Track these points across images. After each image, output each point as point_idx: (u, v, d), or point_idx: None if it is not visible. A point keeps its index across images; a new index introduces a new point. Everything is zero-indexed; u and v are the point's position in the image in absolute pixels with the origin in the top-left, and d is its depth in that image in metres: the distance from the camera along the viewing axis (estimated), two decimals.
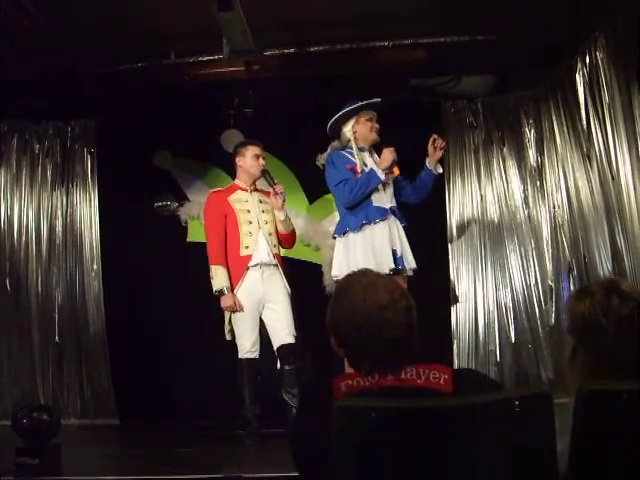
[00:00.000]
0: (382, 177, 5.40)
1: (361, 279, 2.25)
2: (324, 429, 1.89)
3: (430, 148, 5.64)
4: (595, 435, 1.92)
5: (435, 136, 5.66)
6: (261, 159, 5.86)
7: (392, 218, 5.45)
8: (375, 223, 5.36)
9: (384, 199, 5.49)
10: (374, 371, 2.12)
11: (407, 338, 2.13)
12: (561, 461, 1.92)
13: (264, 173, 5.85)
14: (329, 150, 5.71)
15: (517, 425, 1.87)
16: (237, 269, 5.72)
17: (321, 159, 5.75)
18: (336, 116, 5.57)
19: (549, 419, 1.88)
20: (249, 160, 5.85)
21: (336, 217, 5.91)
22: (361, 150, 5.56)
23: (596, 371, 2.20)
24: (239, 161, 5.92)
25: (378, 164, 5.47)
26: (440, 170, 5.73)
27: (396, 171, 5.50)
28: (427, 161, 5.67)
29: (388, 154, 5.45)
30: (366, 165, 5.49)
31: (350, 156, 5.53)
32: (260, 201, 5.88)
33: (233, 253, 5.75)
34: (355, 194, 5.37)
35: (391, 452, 1.85)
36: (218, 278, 5.67)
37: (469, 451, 1.87)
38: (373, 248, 5.29)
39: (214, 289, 5.67)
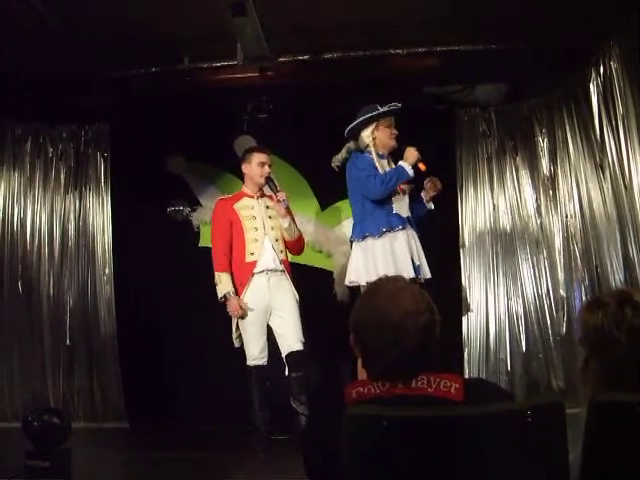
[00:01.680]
0: (411, 172, 5.40)
1: (390, 284, 2.25)
2: (335, 436, 1.88)
3: (427, 185, 5.69)
4: (607, 446, 1.91)
5: (431, 178, 5.71)
6: (266, 167, 5.85)
7: (409, 227, 5.44)
8: (396, 231, 5.33)
9: (403, 208, 5.48)
10: (384, 377, 2.12)
11: (422, 351, 2.12)
12: (572, 472, 1.91)
13: (267, 181, 5.85)
14: (344, 152, 5.68)
15: (529, 435, 1.87)
16: (242, 276, 5.75)
17: (336, 160, 5.73)
18: (357, 121, 5.52)
19: (561, 429, 1.88)
20: (254, 168, 5.86)
21: (348, 224, 5.89)
22: (380, 157, 5.52)
23: (608, 382, 2.19)
24: (245, 168, 5.93)
25: (404, 161, 5.44)
26: (432, 206, 5.74)
27: (422, 167, 5.46)
28: (423, 194, 5.74)
29: (412, 151, 5.44)
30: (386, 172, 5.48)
31: (370, 160, 5.49)
32: (267, 207, 5.89)
33: (238, 260, 5.78)
34: (387, 185, 5.33)
35: (402, 461, 1.85)
36: (222, 284, 5.71)
37: (480, 460, 1.86)
38: (394, 256, 5.25)
39: (219, 295, 5.71)
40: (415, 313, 2.12)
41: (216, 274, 5.75)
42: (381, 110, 5.48)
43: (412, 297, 2.16)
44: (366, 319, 2.19)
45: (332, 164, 5.74)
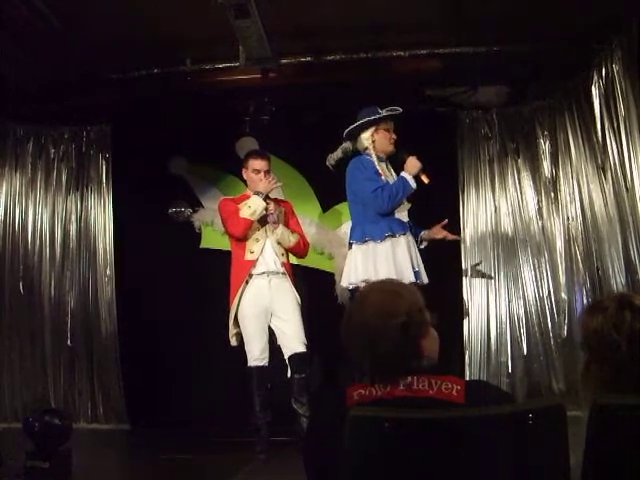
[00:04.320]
0: (413, 185, 5.35)
1: (376, 289, 2.26)
2: (336, 438, 1.89)
3: (438, 229, 5.73)
4: (608, 449, 1.91)
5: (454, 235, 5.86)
6: (261, 174, 5.78)
7: (409, 233, 5.41)
8: (398, 236, 5.29)
9: (403, 213, 5.45)
10: (366, 380, 2.12)
11: (400, 353, 2.12)
12: (573, 474, 1.91)
13: (257, 193, 5.74)
14: (339, 151, 5.65)
15: (530, 437, 1.87)
16: (240, 273, 5.74)
17: (331, 159, 5.69)
18: (357, 123, 5.47)
19: (562, 432, 1.88)
20: (250, 174, 5.85)
21: (348, 227, 5.85)
22: (380, 160, 5.49)
23: (609, 386, 2.20)
24: (244, 173, 5.93)
25: (406, 171, 5.40)
26: (422, 247, 5.73)
27: (425, 179, 5.41)
28: (424, 233, 5.74)
29: (414, 161, 5.39)
30: (387, 176, 5.44)
31: (373, 163, 5.44)
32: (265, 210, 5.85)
33: (238, 257, 5.78)
34: (394, 200, 5.28)
35: (403, 462, 1.85)
36: (254, 207, 5.65)
37: (481, 463, 1.86)
38: (395, 261, 5.19)
39: (259, 213, 5.68)
40: (388, 315, 2.13)
41: (246, 203, 5.68)
42: (382, 114, 5.42)
43: (390, 299, 2.17)
44: (344, 324, 2.21)
45: (327, 162, 5.72)
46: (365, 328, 2.13)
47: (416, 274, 5.24)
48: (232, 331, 5.77)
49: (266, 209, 5.73)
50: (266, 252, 5.75)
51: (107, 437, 6.97)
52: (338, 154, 5.67)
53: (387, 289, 2.25)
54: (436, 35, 6.31)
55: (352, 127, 5.51)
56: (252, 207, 5.64)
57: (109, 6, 5.53)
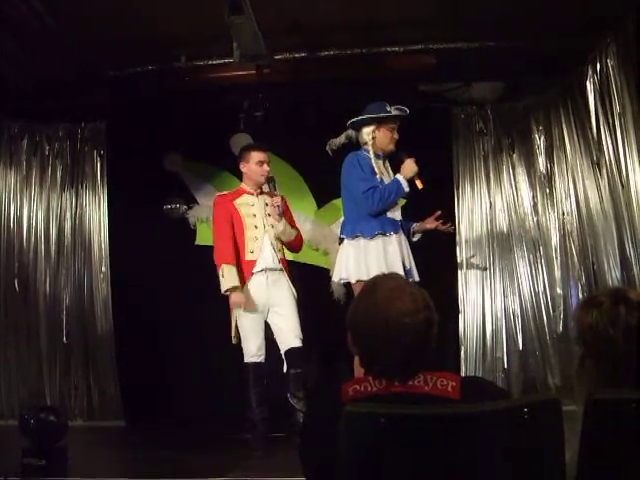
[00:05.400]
0: (407, 189, 5.31)
1: (389, 282, 2.25)
2: (332, 433, 1.88)
3: (431, 220, 5.66)
4: (604, 444, 1.92)
5: (446, 225, 5.73)
6: (265, 165, 5.82)
7: (401, 231, 5.40)
8: (389, 236, 5.26)
9: (396, 212, 5.43)
10: (383, 375, 2.12)
11: (421, 348, 2.13)
12: (569, 469, 1.92)
13: (268, 181, 5.82)
14: (343, 137, 5.61)
15: (526, 432, 1.87)
16: (242, 274, 5.72)
17: (332, 144, 5.65)
18: (361, 117, 5.40)
19: (558, 426, 1.88)
20: (252, 167, 5.84)
21: None
22: (377, 157, 5.44)
23: (605, 380, 2.20)
24: (243, 167, 5.91)
25: (401, 173, 5.37)
26: (415, 239, 5.69)
27: (419, 184, 5.34)
28: (415, 225, 5.68)
29: (411, 164, 5.34)
30: (382, 174, 5.42)
31: (370, 160, 5.40)
32: (266, 204, 5.86)
33: (237, 258, 5.76)
34: (384, 203, 5.24)
35: (399, 458, 1.85)
36: (229, 277, 5.59)
37: (477, 458, 1.86)
38: (386, 259, 5.16)
39: (224, 288, 5.61)
40: (414, 311, 2.12)
41: (222, 266, 5.62)
42: (389, 113, 5.35)
43: (411, 295, 2.16)
44: (365, 317, 2.18)
45: (327, 147, 5.67)
46: (391, 323, 2.12)
47: (407, 272, 5.22)
48: (234, 330, 5.74)
49: (267, 203, 5.80)
50: (265, 249, 5.75)
51: (103, 434, 6.96)
52: (341, 139, 5.62)
53: (400, 284, 2.24)
54: (430, 31, 6.31)
55: (355, 119, 5.46)
56: (226, 279, 5.63)
57: (104, 4, 5.52)
